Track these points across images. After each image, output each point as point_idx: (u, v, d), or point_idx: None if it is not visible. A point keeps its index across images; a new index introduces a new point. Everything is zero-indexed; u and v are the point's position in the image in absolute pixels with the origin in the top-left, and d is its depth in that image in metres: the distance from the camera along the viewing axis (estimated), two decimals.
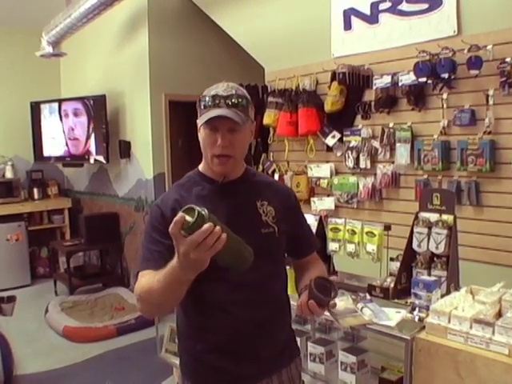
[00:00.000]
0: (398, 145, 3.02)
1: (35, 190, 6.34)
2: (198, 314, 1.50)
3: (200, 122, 1.45)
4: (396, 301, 2.18)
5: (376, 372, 2.30)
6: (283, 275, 1.63)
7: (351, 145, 3.30)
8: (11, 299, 3.49)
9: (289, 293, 1.66)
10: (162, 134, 5.15)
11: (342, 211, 3.40)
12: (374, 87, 3.12)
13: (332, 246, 2.58)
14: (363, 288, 2.31)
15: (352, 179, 3.33)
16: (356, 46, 3.24)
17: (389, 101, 3.08)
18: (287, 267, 1.67)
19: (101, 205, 6.11)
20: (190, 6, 4.76)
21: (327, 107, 3.34)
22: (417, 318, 1.93)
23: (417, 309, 1.97)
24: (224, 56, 5.25)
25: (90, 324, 4.53)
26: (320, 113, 3.43)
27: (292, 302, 1.65)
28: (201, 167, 1.58)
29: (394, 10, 3.00)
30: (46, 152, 6.19)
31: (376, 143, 3.18)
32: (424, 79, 2.79)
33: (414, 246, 2.24)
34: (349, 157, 3.32)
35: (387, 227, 2.42)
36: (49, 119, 6.10)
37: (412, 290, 2.02)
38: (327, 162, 3.53)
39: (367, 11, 3.14)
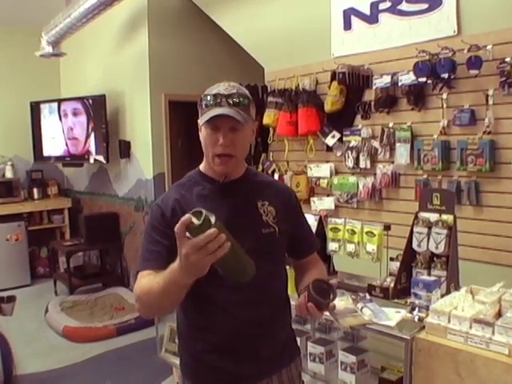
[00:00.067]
0: (397, 145, 3.02)
1: (35, 190, 6.34)
2: (198, 314, 1.50)
3: (201, 121, 1.45)
4: (396, 301, 2.18)
5: (376, 372, 2.30)
6: (283, 275, 1.63)
7: (351, 145, 3.30)
8: (11, 299, 3.49)
9: (289, 293, 1.66)
10: (161, 134, 5.15)
11: (342, 211, 3.40)
12: (374, 87, 3.12)
13: (332, 245, 2.58)
14: (363, 288, 2.31)
15: (352, 179, 3.33)
16: (356, 46, 3.24)
17: (389, 101, 3.08)
18: (287, 267, 1.67)
19: (101, 205, 6.11)
20: (190, 6, 4.76)
21: (327, 107, 3.34)
22: (417, 318, 1.93)
23: (417, 309, 1.97)
24: (224, 56, 5.25)
25: (89, 324, 4.53)
26: (320, 113, 3.43)
27: (292, 302, 1.65)
28: (202, 167, 1.58)
29: (393, 9, 3.00)
30: (46, 152, 6.19)
31: (376, 143, 3.18)
32: (424, 79, 2.78)
33: (414, 245, 2.24)
34: (349, 157, 3.32)
35: (387, 227, 2.42)
36: (49, 119, 6.10)
37: (412, 290, 2.02)
38: (327, 161, 3.53)
39: (367, 11, 3.14)
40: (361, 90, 3.25)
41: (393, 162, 3.09)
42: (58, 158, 6.18)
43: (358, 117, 3.30)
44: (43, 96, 6.15)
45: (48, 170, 6.53)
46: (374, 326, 1.93)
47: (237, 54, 4.46)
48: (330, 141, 3.43)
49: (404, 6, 2.94)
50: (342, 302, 1.90)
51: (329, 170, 3.49)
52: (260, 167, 3.92)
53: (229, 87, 1.45)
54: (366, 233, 2.46)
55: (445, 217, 2.18)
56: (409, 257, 2.26)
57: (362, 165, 3.26)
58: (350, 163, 3.31)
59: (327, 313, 1.51)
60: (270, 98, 3.70)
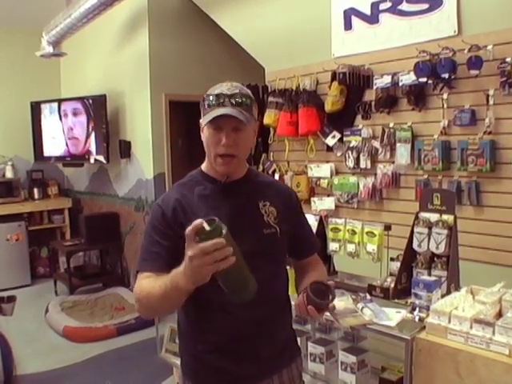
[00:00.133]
0: (398, 145, 3.02)
1: (35, 190, 6.34)
2: (199, 314, 1.50)
3: (204, 120, 1.44)
4: (396, 301, 2.18)
5: (376, 372, 2.30)
6: (284, 275, 1.63)
7: (351, 145, 3.30)
8: (11, 299, 3.49)
9: (289, 293, 1.66)
10: (162, 134, 5.15)
11: (343, 211, 3.40)
12: (375, 87, 3.12)
13: (332, 246, 2.58)
14: (363, 288, 2.30)
15: (352, 179, 3.33)
16: (356, 46, 3.24)
17: (389, 101, 3.08)
18: (287, 267, 1.67)
19: (101, 205, 6.11)
20: (190, 6, 4.76)
21: (327, 107, 3.34)
22: (417, 318, 1.93)
23: (417, 309, 1.97)
24: (224, 56, 5.25)
25: (90, 324, 4.53)
26: (320, 113, 3.43)
27: (292, 302, 1.65)
28: (203, 167, 1.58)
29: (394, 9, 3.00)
30: (46, 152, 6.19)
31: (376, 143, 3.17)
32: (424, 79, 2.78)
33: (415, 246, 2.24)
34: (349, 157, 3.32)
35: (387, 227, 2.42)
36: (49, 119, 6.10)
37: (412, 290, 2.02)
38: (327, 161, 3.53)
39: (367, 11, 3.14)
40: (361, 90, 3.25)
41: (393, 162, 3.09)
42: (59, 158, 6.18)
43: (359, 117, 3.30)
44: (43, 96, 6.15)
45: (48, 170, 6.53)
46: (375, 326, 1.93)
47: (237, 53, 4.46)
48: (331, 141, 3.43)
49: (404, 6, 2.94)
50: (342, 302, 1.90)
51: (329, 170, 3.49)
52: (260, 167, 3.92)
53: (231, 87, 1.45)
54: (367, 233, 2.45)
55: (445, 217, 2.18)
56: (409, 257, 2.26)
57: (362, 165, 3.26)
58: (351, 163, 3.31)
59: (327, 313, 1.51)
60: (271, 98, 3.70)
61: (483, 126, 2.62)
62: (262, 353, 1.51)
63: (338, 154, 3.44)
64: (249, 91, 1.49)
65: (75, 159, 5.97)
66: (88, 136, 5.69)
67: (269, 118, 3.67)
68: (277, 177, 3.77)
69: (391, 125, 3.09)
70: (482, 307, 1.78)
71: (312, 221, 2.49)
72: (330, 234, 2.58)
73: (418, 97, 2.92)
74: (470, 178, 2.72)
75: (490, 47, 2.55)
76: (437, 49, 2.74)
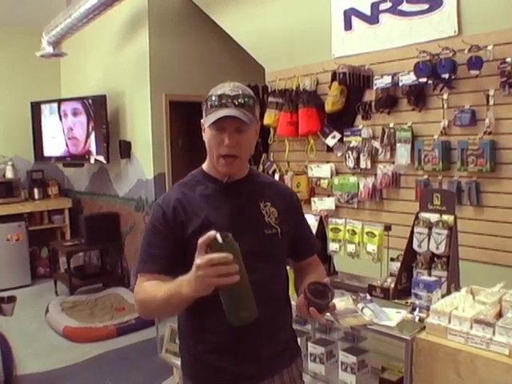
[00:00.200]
0: (398, 145, 3.02)
1: (35, 190, 6.33)
2: (199, 314, 1.50)
3: (207, 122, 1.44)
4: (396, 301, 2.18)
5: (376, 372, 2.29)
6: (284, 276, 1.63)
7: (351, 145, 3.30)
8: (11, 299, 3.49)
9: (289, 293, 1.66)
10: (162, 134, 5.15)
11: (343, 211, 3.40)
12: (375, 87, 3.12)
13: (332, 246, 2.58)
14: (363, 288, 2.30)
15: (352, 179, 3.33)
16: (356, 46, 3.24)
17: (389, 101, 3.08)
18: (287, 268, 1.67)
19: (101, 205, 6.11)
20: (190, 6, 4.76)
21: (327, 107, 3.34)
22: (417, 319, 1.93)
23: (417, 309, 1.97)
24: (224, 56, 5.25)
25: (90, 324, 4.53)
26: (320, 113, 3.44)
27: (293, 302, 1.65)
28: (205, 166, 1.58)
29: (394, 10, 3.00)
30: (47, 152, 6.19)
31: (376, 143, 3.18)
32: (424, 79, 2.78)
33: (415, 246, 2.24)
34: (349, 157, 3.32)
35: (387, 227, 2.42)
36: (49, 119, 6.10)
37: (412, 291, 2.02)
38: (327, 162, 3.53)
39: (367, 11, 3.14)
40: (361, 91, 3.25)
41: (393, 163, 3.09)
42: (59, 158, 6.18)
43: (359, 117, 3.30)
44: (44, 96, 6.15)
45: (48, 170, 6.53)
46: (375, 326, 1.93)
47: (237, 54, 4.46)
48: (331, 141, 3.43)
49: (404, 7, 2.94)
50: (342, 302, 1.89)
51: (329, 171, 3.49)
52: (261, 167, 3.92)
53: (234, 88, 1.45)
54: (367, 233, 2.45)
55: (445, 217, 2.18)
56: (409, 257, 2.26)
57: (362, 165, 3.26)
58: (351, 163, 3.31)
59: (328, 313, 1.51)
60: (271, 99, 3.70)
61: (483, 126, 2.62)
62: (263, 353, 1.51)
63: (338, 154, 3.45)
64: (251, 91, 1.49)
65: (75, 159, 5.97)
66: (88, 136, 5.69)
67: (269, 118, 3.67)
68: (277, 177, 3.77)
69: (391, 125, 3.09)
70: (482, 307, 1.78)
71: (312, 221, 2.49)
72: (330, 235, 2.58)
73: (418, 97, 2.92)
74: (470, 178, 2.73)
75: (490, 47, 2.55)
76: (437, 49, 2.74)
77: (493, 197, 2.66)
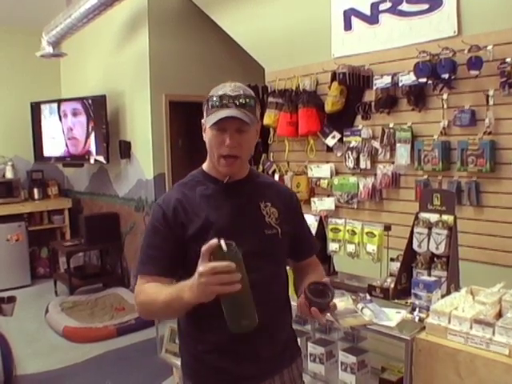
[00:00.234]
0: (398, 145, 3.02)
1: (35, 190, 6.34)
2: (199, 314, 1.50)
3: (208, 122, 1.44)
4: (396, 301, 2.18)
5: (376, 372, 2.29)
6: (284, 276, 1.63)
7: (351, 145, 3.30)
8: (11, 299, 3.49)
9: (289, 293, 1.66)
10: (162, 134, 5.15)
11: (342, 211, 3.40)
12: (375, 87, 3.12)
13: (332, 246, 2.58)
14: (363, 288, 2.30)
15: (352, 179, 3.33)
16: (356, 47, 3.24)
17: (389, 101, 3.08)
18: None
19: (101, 205, 6.11)
20: (190, 6, 4.76)
21: (327, 107, 3.34)
22: (417, 319, 1.93)
23: (417, 309, 1.97)
24: (224, 56, 5.25)
25: (90, 324, 4.53)
26: (320, 113, 3.44)
27: (292, 303, 1.65)
28: (205, 166, 1.58)
29: (394, 10, 3.00)
30: (47, 152, 6.19)
31: (376, 143, 3.18)
32: (424, 79, 2.78)
33: (414, 246, 2.24)
34: (349, 157, 3.32)
35: (387, 227, 2.42)
36: (49, 119, 6.10)
37: (412, 291, 2.02)
38: (327, 162, 3.53)
39: (367, 11, 3.14)
40: (361, 91, 3.25)
41: (393, 163, 3.09)
42: (59, 159, 6.18)
43: (359, 117, 3.30)
44: (44, 96, 6.15)
45: (48, 171, 6.53)
46: (375, 326, 1.93)
47: (237, 54, 4.46)
48: (331, 141, 3.43)
49: (404, 7, 2.94)
50: (342, 302, 1.90)
51: (329, 171, 3.49)
52: (260, 167, 3.92)
53: (235, 88, 1.45)
54: (367, 233, 2.45)
55: (445, 217, 2.18)
56: (409, 257, 2.26)
57: (362, 165, 3.26)
58: (351, 164, 3.31)
59: (328, 314, 1.50)
60: (271, 99, 3.70)
61: (483, 126, 2.62)
62: (263, 353, 1.51)
63: (338, 154, 3.45)
64: (252, 92, 1.49)
65: (75, 159, 5.97)
66: (88, 136, 5.69)
67: (269, 118, 3.67)
68: (277, 177, 3.77)
69: (391, 125, 3.09)
70: (482, 307, 1.78)
71: (312, 221, 2.50)
72: (329, 235, 2.58)
73: (418, 97, 2.92)
74: (470, 178, 2.73)
75: (489, 47, 2.55)
76: (437, 49, 2.74)
77: (492, 197, 2.66)
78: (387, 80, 3.03)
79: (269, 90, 3.84)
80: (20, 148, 6.34)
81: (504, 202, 2.61)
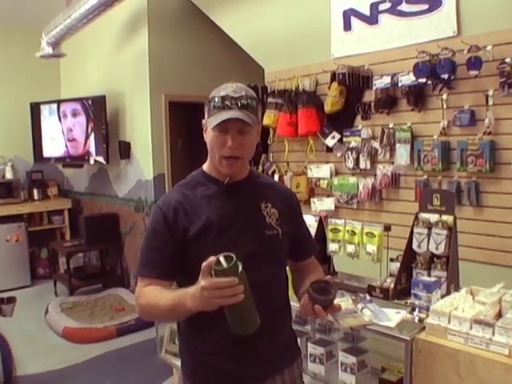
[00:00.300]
0: (397, 145, 3.02)
1: (35, 191, 6.33)
2: (199, 315, 1.49)
3: (211, 123, 1.44)
4: (396, 301, 2.18)
5: (376, 373, 2.29)
6: (284, 277, 1.63)
7: (351, 145, 3.30)
8: (11, 300, 3.49)
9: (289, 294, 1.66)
10: (161, 135, 5.15)
11: (342, 212, 3.40)
12: (374, 88, 3.12)
13: (332, 246, 2.58)
14: (363, 288, 2.30)
15: (352, 180, 3.34)
16: (356, 47, 3.24)
17: (389, 101, 3.08)
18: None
19: (101, 205, 6.11)
20: (190, 7, 4.76)
21: (327, 108, 3.34)
22: (417, 319, 1.93)
23: (417, 309, 1.97)
24: (224, 56, 5.25)
25: (90, 325, 4.53)
26: (320, 113, 3.44)
27: (292, 303, 1.65)
28: (205, 167, 1.58)
29: (393, 10, 3.00)
30: (46, 153, 6.19)
31: (376, 144, 3.18)
32: (424, 80, 2.79)
33: (414, 246, 2.24)
34: (349, 157, 3.32)
35: (387, 228, 2.42)
36: (49, 120, 6.10)
37: (412, 291, 2.02)
38: (327, 162, 3.53)
39: (367, 12, 3.14)
40: (361, 91, 3.25)
41: (393, 163, 3.09)
42: (58, 159, 6.19)
43: (358, 117, 3.30)
44: (43, 97, 6.15)
45: (48, 171, 6.53)
46: (374, 326, 1.93)
47: (237, 54, 4.46)
48: (330, 141, 3.44)
49: (404, 7, 2.94)
50: (342, 302, 1.89)
51: (329, 171, 3.49)
52: (260, 168, 3.92)
53: (237, 89, 1.45)
54: (366, 233, 2.45)
55: (445, 217, 2.18)
56: (409, 257, 2.26)
57: (362, 165, 3.26)
58: (350, 164, 3.31)
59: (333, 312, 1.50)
60: (270, 99, 3.70)
61: (483, 126, 2.62)
62: (263, 354, 1.51)
63: (338, 154, 3.45)
64: (253, 93, 1.49)
65: (75, 160, 5.97)
66: (87, 137, 5.69)
67: (268, 118, 3.67)
68: (276, 177, 3.77)
69: (391, 125, 3.09)
70: (482, 308, 1.78)
71: (312, 221, 2.50)
72: (329, 235, 2.58)
73: (418, 97, 2.92)
74: (470, 178, 2.73)
75: (489, 48, 2.55)
76: (436, 49, 2.74)
77: (492, 197, 2.67)
78: (387, 80, 3.03)
79: (268, 91, 3.84)
80: (20, 148, 6.34)
81: (504, 202, 2.61)
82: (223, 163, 1.47)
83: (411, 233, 2.26)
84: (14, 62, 6.29)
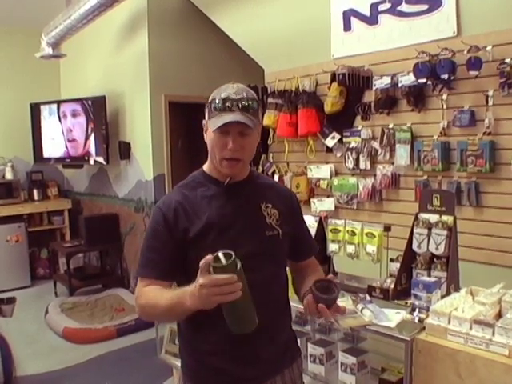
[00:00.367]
0: (397, 146, 3.02)
1: (35, 191, 6.33)
2: (199, 315, 1.50)
3: (211, 125, 1.43)
4: (396, 302, 2.18)
5: (376, 373, 2.29)
6: (284, 277, 1.63)
7: (351, 146, 3.30)
8: (11, 300, 3.49)
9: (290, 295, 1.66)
10: (161, 135, 5.15)
11: (342, 212, 3.40)
12: (374, 88, 3.12)
13: (332, 246, 2.58)
14: (363, 289, 2.30)
15: (352, 180, 3.34)
16: (356, 47, 3.24)
17: (388, 102, 3.08)
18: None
19: (101, 206, 6.11)
20: (190, 7, 4.76)
21: (327, 108, 3.34)
22: (417, 319, 1.93)
23: (417, 310, 1.97)
24: (224, 57, 5.25)
25: (89, 325, 4.53)
26: (320, 114, 3.44)
27: (292, 304, 1.65)
28: (205, 168, 1.58)
29: (393, 10, 3.00)
30: (46, 153, 6.19)
31: (376, 144, 3.18)
32: (424, 80, 2.79)
33: (414, 246, 2.24)
34: (348, 158, 3.32)
35: (387, 228, 2.42)
36: (48, 120, 6.10)
37: (412, 291, 2.02)
38: (327, 162, 3.53)
39: (367, 12, 3.14)
40: (361, 91, 3.25)
41: (393, 163, 3.09)
42: (58, 160, 6.19)
43: (358, 118, 3.30)
44: (43, 97, 6.15)
45: (48, 171, 6.53)
46: (374, 327, 1.93)
47: (237, 54, 4.46)
48: (330, 142, 3.44)
49: (404, 7, 2.94)
50: (342, 303, 1.89)
51: (329, 171, 3.49)
52: (260, 168, 3.92)
53: (238, 90, 1.44)
54: (366, 234, 2.45)
55: (445, 218, 2.18)
56: (409, 258, 2.26)
57: (361, 166, 3.26)
58: (350, 164, 3.31)
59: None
60: (270, 99, 3.70)
61: (483, 126, 2.62)
62: (263, 354, 1.51)
63: (338, 154, 3.45)
64: (254, 94, 1.48)
65: (75, 160, 5.97)
66: (87, 137, 5.69)
67: (268, 119, 3.67)
68: (276, 178, 3.77)
69: (391, 126, 3.09)
70: (482, 308, 1.78)
71: (312, 222, 2.50)
72: (329, 235, 2.58)
73: (418, 98, 2.92)
74: (470, 178, 2.73)
75: (489, 48, 2.56)
76: (436, 50, 2.74)
77: (492, 197, 2.67)
78: (387, 80, 3.03)
79: (268, 91, 3.84)
80: (20, 149, 6.34)
81: (504, 202, 2.61)
82: (224, 164, 1.47)
83: (411, 233, 2.26)
84: (14, 62, 6.29)
